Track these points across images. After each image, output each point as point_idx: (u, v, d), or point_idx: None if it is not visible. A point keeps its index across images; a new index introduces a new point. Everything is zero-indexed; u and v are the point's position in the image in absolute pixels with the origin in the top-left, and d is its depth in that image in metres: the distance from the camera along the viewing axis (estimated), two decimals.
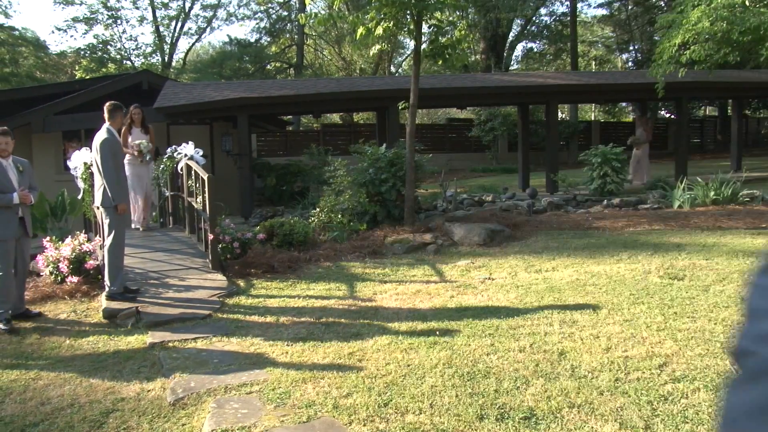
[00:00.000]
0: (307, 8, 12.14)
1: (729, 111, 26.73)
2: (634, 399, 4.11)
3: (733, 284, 6.72)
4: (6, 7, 39.46)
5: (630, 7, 33.60)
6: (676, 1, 13.32)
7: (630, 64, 35.55)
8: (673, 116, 33.31)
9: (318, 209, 11.08)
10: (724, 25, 11.39)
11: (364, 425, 3.94)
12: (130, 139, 10.25)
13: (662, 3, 30.07)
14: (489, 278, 7.69)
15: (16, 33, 35.87)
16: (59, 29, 42.61)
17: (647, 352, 4.90)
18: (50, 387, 4.95)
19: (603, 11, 36.85)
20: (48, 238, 8.22)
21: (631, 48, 34.81)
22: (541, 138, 23.99)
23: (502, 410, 4.03)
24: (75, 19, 37.69)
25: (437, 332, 5.66)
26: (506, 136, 27.24)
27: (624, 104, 37.11)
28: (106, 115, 7.25)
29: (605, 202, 13.06)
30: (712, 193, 12.36)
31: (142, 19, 39.93)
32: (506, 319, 5.93)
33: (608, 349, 5.02)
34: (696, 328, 5.41)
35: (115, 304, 6.86)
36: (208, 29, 42.56)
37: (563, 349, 5.06)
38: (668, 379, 4.39)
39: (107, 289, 7.09)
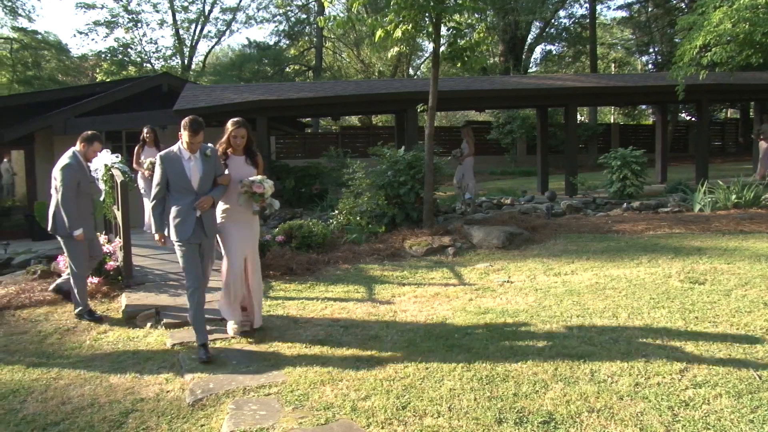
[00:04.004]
0: (326, 11, 12.25)
1: (751, 113, 26.44)
2: (655, 404, 4.07)
3: (755, 289, 6.64)
4: (29, 12, 39.94)
5: (650, 9, 33.31)
6: (697, 3, 13.18)
7: (650, 66, 35.22)
8: (693, 119, 33.04)
9: (337, 211, 11.10)
10: (747, 26, 11.25)
11: (382, 428, 3.94)
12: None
13: (683, 4, 29.82)
14: (508, 281, 7.66)
15: (39, 37, 36.31)
16: (81, 33, 43.16)
17: (668, 356, 4.86)
18: (71, 386, 5.00)
19: (622, 13, 36.72)
20: None
21: (651, 50, 34.47)
22: (560, 141, 23.90)
23: (521, 414, 4.02)
24: (96, 23, 38.16)
25: (456, 335, 5.65)
26: (525, 138, 27.16)
27: (644, 107, 36.84)
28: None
29: (625, 205, 12.96)
30: (734, 196, 12.23)
31: (162, 23, 40.35)
32: (525, 323, 5.90)
33: (628, 353, 4.98)
34: (717, 332, 5.36)
35: (134, 305, 6.92)
36: (227, 32, 42.88)
37: (582, 352, 5.03)
38: (689, 384, 4.34)
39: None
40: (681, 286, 6.90)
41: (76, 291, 6.95)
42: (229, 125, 6.01)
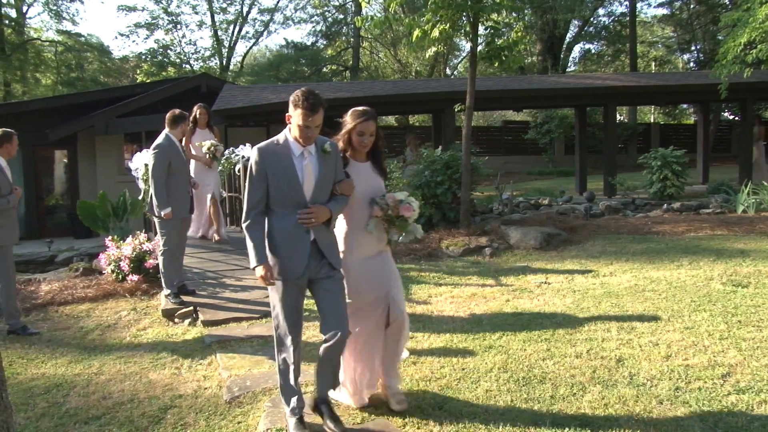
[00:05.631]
0: (363, 11, 12.24)
1: None
2: (696, 409, 3.99)
3: None
4: (73, 15, 40.72)
5: (692, 6, 32.68)
6: None
7: (691, 64, 34.55)
8: (737, 118, 32.35)
9: None
10: None
11: (418, 428, 3.93)
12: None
13: (726, 1, 29.19)
14: (545, 282, 7.59)
15: (82, 39, 37.01)
16: (122, 35, 43.89)
17: (709, 361, 4.76)
18: (111, 382, 5.10)
19: (663, 11, 35.91)
20: (110, 238, 8.46)
21: (692, 48, 33.81)
22: (598, 140, 23.58)
23: (558, 417, 3.97)
24: (137, 25, 38.67)
25: (494, 336, 5.61)
26: (563, 138, 26.83)
27: (685, 106, 36.16)
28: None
29: (665, 206, 12.75)
30: None
31: (201, 24, 40.72)
32: (562, 324, 5.84)
33: (668, 357, 4.90)
34: (762, 337, 5.23)
35: (173, 304, 7.03)
36: (265, 33, 43.05)
37: (621, 355, 4.96)
38: (732, 390, 4.25)
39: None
40: (723, 289, 6.76)
41: (163, 271, 7.17)
42: (350, 118, 4.14)
